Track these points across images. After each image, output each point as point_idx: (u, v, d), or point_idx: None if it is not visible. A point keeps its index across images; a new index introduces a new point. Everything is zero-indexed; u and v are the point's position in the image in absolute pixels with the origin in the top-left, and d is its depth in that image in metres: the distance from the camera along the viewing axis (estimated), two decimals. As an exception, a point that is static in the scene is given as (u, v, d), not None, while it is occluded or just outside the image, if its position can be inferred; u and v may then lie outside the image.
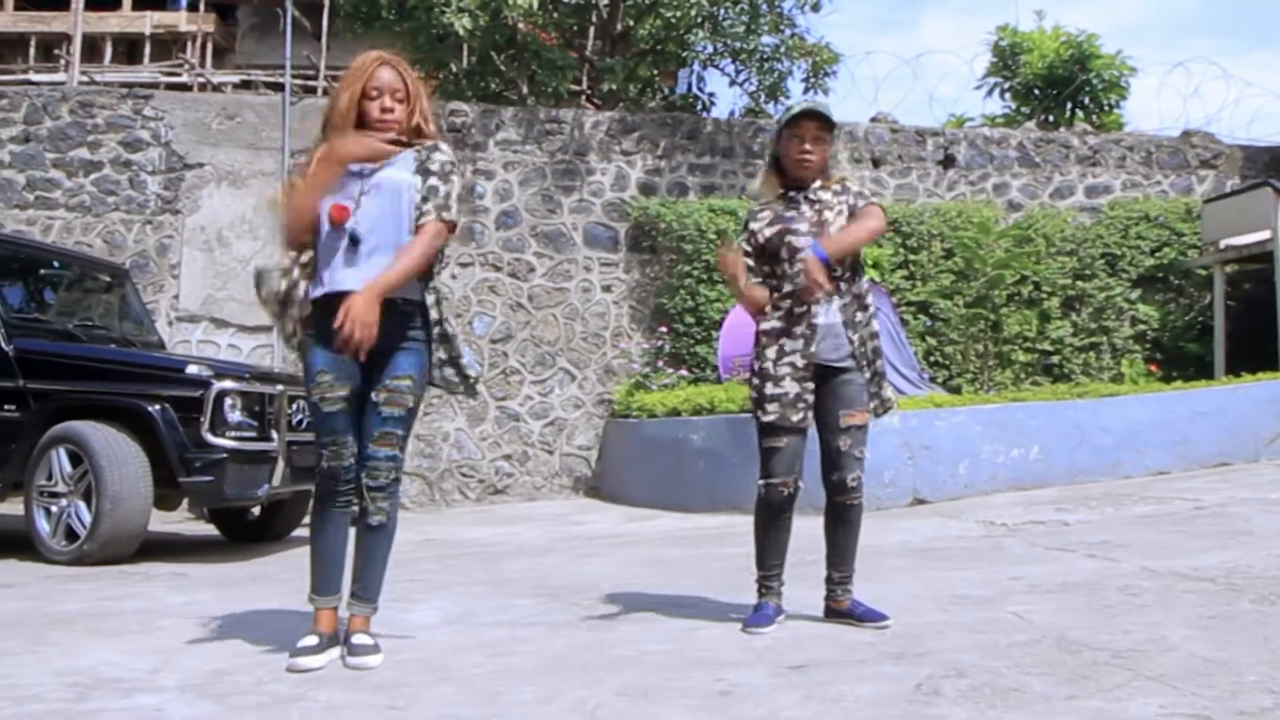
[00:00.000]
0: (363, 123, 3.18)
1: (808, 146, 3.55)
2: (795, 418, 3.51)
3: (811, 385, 3.51)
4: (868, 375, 3.57)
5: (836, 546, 3.68)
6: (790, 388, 3.50)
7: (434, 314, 3.24)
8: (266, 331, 9.59)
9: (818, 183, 3.60)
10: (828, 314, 3.51)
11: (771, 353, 3.53)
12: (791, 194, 3.61)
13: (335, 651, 3.11)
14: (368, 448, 3.16)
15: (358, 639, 3.12)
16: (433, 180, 3.19)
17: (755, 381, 3.57)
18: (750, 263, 3.61)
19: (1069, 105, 13.66)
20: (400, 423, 3.18)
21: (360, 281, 3.06)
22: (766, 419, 3.52)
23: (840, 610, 3.60)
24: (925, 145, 10.58)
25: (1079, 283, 9.90)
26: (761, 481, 3.58)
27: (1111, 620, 3.38)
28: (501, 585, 4.62)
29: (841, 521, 3.66)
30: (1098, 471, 7.15)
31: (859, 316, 3.56)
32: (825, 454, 3.61)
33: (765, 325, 3.57)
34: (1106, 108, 13.78)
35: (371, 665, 3.04)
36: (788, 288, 3.53)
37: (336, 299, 3.05)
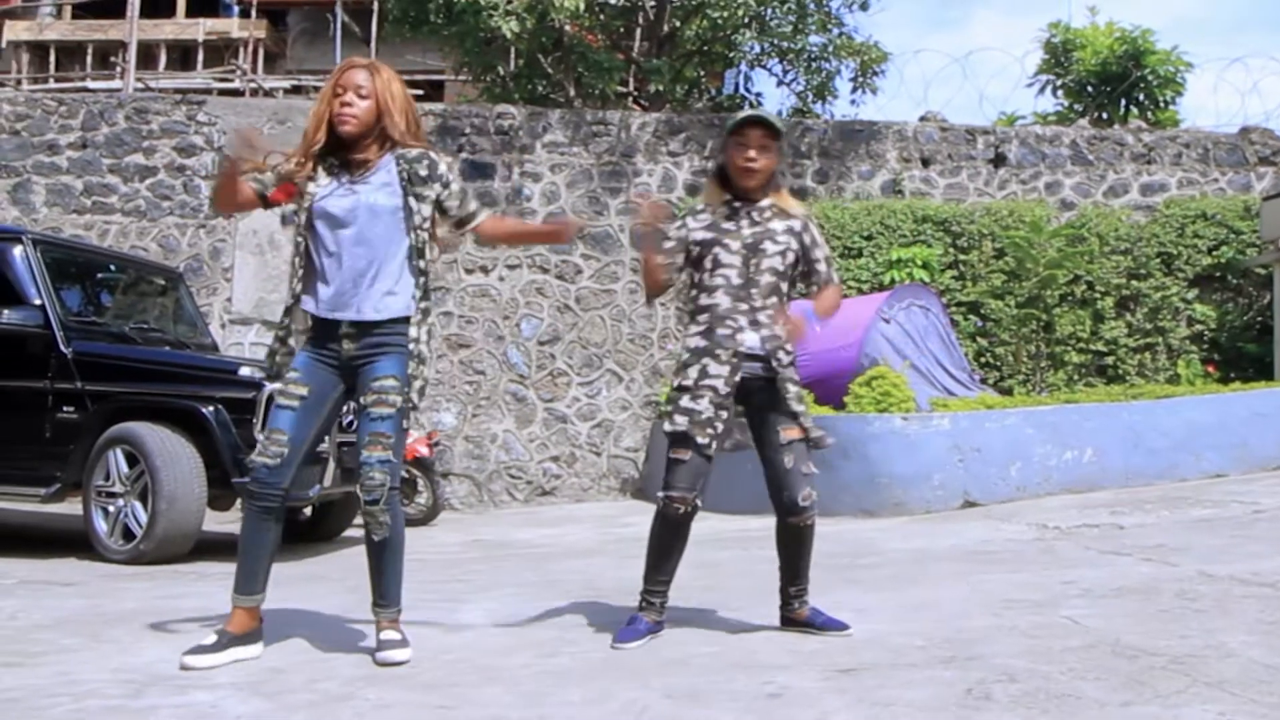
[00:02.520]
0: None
1: (752, 154, 3.42)
2: (700, 439, 3.38)
3: (726, 414, 3.40)
4: (795, 392, 3.45)
5: (790, 563, 3.54)
6: (706, 408, 3.38)
7: (414, 331, 3.20)
8: (317, 334, 9.70)
9: (769, 200, 3.49)
10: (751, 343, 3.40)
11: (694, 372, 3.41)
12: (736, 204, 3.49)
13: (240, 653, 3.09)
14: (361, 454, 3.17)
15: (385, 634, 3.16)
16: (455, 185, 3.34)
17: (673, 392, 3.50)
18: (674, 257, 3.50)
19: (1123, 102, 13.44)
20: (389, 423, 3.15)
21: (370, 309, 3.15)
22: (674, 429, 3.41)
23: (799, 620, 3.50)
24: (976, 144, 10.46)
25: (1134, 282, 9.73)
26: (662, 494, 3.47)
27: (1168, 625, 3.32)
28: (550, 586, 4.63)
29: (794, 541, 3.52)
30: (1153, 474, 7.03)
31: (783, 354, 3.45)
32: (771, 474, 3.46)
33: (690, 342, 3.46)
34: (1162, 104, 13.54)
35: (399, 660, 3.07)
36: (704, 300, 3.44)
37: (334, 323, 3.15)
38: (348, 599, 4.38)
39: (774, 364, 3.42)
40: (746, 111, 3.58)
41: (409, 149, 3.26)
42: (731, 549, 5.96)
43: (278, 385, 3.24)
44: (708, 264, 3.45)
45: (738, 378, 3.40)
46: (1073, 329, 9.48)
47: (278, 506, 3.21)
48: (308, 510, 6.90)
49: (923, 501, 6.76)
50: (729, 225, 3.47)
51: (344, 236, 3.15)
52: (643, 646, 3.30)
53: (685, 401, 3.42)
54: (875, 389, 7.27)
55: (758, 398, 3.45)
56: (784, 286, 3.49)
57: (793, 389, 3.44)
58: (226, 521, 7.46)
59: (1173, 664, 2.83)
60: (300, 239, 3.20)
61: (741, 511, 7.59)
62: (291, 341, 3.25)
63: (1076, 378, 9.39)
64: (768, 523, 7.20)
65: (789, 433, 3.42)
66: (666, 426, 3.46)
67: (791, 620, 3.54)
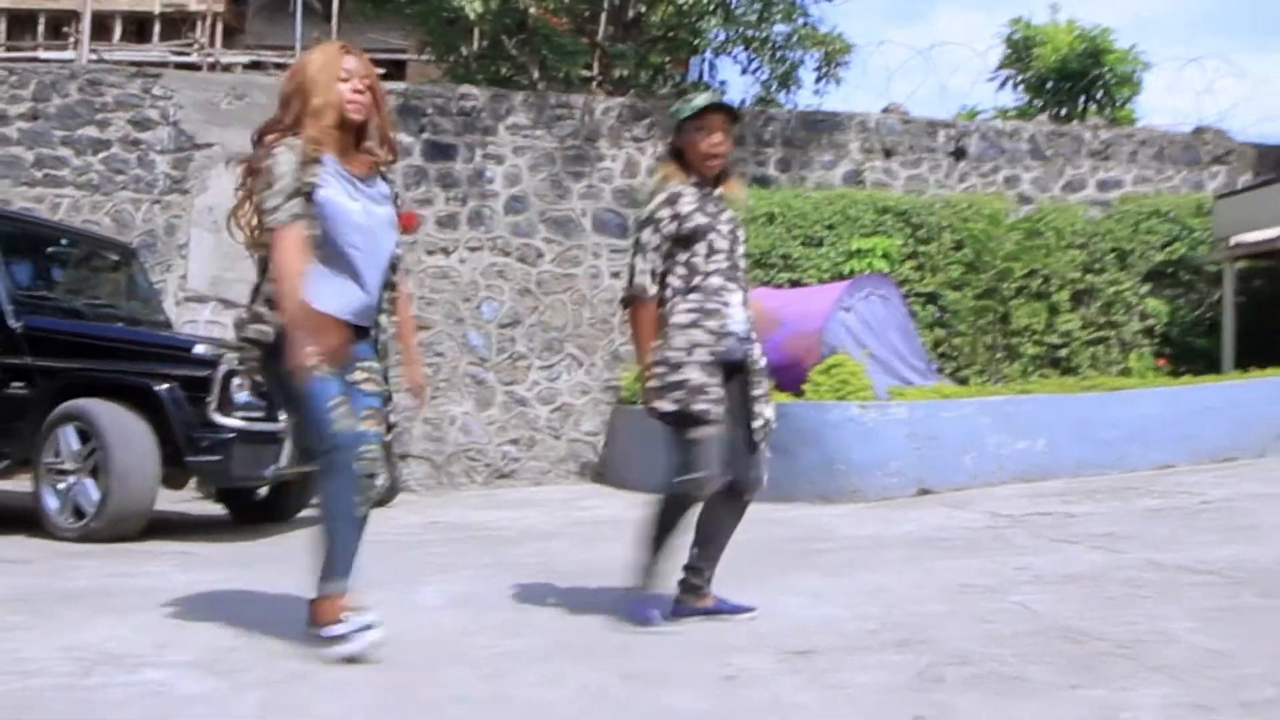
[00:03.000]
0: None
1: (717, 138, 3.42)
2: (719, 411, 3.32)
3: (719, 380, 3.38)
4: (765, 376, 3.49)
5: (721, 543, 3.52)
6: (712, 384, 3.30)
7: (383, 320, 3.23)
8: (274, 313, 9.59)
9: (720, 188, 3.51)
10: (737, 320, 3.40)
11: (684, 344, 3.31)
12: (705, 189, 3.47)
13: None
14: (359, 429, 3.06)
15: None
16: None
17: (661, 370, 3.31)
18: (662, 246, 3.40)
19: (1082, 99, 13.61)
20: (379, 400, 3.14)
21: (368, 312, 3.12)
22: (698, 408, 3.27)
23: (707, 607, 3.46)
24: (937, 136, 10.55)
25: (1089, 276, 9.87)
26: (689, 476, 3.31)
27: (1115, 611, 3.38)
28: (508, 569, 4.63)
29: (736, 520, 3.52)
30: (1104, 465, 7.14)
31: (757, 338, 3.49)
32: (736, 452, 3.43)
33: (680, 319, 3.34)
34: (1119, 102, 13.72)
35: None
36: (697, 280, 3.37)
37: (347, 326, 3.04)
38: (302, 578, 4.35)
39: (754, 347, 3.45)
40: (706, 96, 3.52)
41: (380, 163, 3.18)
42: (687, 534, 5.98)
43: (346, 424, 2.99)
44: (701, 247, 3.38)
45: (724, 354, 3.35)
46: (1028, 321, 9.60)
47: None
48: (263, 490, 6.84)
49: (879, 488, 6.82)
50: (711, 208, 3.45)
51: (365, 244, 3.07)
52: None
53: (695, 377, 3.28)
54: (834, 377, 7.32)
55: (735, 379, 3.44)
56: None
57: (764, 373, 3.48)
58: (179, 500, 7.38)
59: (1119, 649, 2.89)
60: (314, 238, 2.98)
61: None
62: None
63: (1031, 369, 9.52)
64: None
65: (764, 414, 3.44)
66: (668, 406, 3.29)
67: (696, 608, 3.45)
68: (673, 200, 3.41)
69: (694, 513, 3.43)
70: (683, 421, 3.29)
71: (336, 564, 3.01)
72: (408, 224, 3.14)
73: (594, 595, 3.87)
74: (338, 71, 3.03)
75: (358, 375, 3.10)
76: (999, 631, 3.15)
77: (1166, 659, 2.77)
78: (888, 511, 6.27)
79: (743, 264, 3.50)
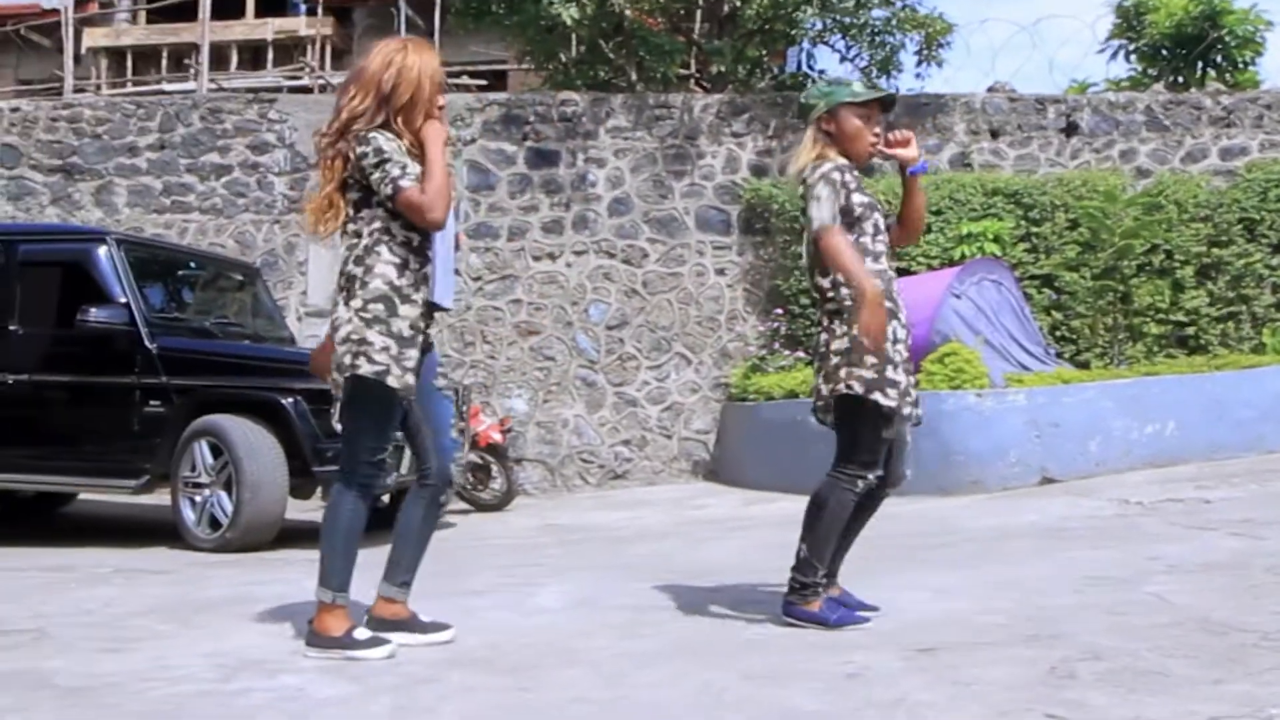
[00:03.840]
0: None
1: (879, 131, 3.41)
2: (905, 410, 3.31)
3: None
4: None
5: (852, 538, 3.51)
6: (904, 378, 3.28)
7: None
8: (390, 324, 9.84)
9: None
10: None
11: (888, 333, 3.22)
12: (857, 172, 3.44)
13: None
14: (439, 439, 3.40)
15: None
16: None
17: (872, 360, 3.19)
18: (838, 200, 3.32)
19: (1200, 65, 13.02)
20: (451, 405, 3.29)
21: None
22: (888, 403, 3.23)
23: (834, 595, 3.40)
24: (1046, 113, 10.23)
25: (1215, 250, 9.44)
26: (871, 475, 3.29)
27: (1259, 601, 3.24)
28: (625, 569, 4.66)
29: (872, 513, 3.50)
30: (1239, 447, 6.84)
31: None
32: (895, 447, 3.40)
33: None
34: (1241, 65, 13.09)
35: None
36: (870, 264, 3.31)
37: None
38: (424, 583, 4.44)
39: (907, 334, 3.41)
40: (884, 89, 3.55)
41: None
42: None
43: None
44: (869, 227, 3.35)
45: (908, 351, 3.36)
46: (1151, 299, 9.23)
47: None
48: (385, 498, 7.02)
49: (999, 478, 6.66)
50: (869, 192, 3.43)
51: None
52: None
53: (889, 373, 3.23)
54: (948, 366, 7.16)
55: None
56: None
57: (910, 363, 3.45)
58: (308, 510, 7.63)
59: (1265, 640, 2.76)
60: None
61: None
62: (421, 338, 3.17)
63: (1156, 349, 9.15)
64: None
65: (917, 408, 3.41)
66: (881, 400, 3.22)
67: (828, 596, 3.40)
68: (843, 170, 3.35)
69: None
70: (878, 417, 3.25)
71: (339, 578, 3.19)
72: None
73: (711, 594, 3.87)
74: (436, 74, 3.18)
75: (440, 382, 3.21)
76: (1133, 624, 3.04)
77: (1316, 650, 2.64)
78: (1010, 502, 6.12)
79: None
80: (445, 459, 3.30)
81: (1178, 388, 7.09)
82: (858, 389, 3.22)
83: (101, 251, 6.26)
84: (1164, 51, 13.25)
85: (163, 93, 13.68)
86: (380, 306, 3.05)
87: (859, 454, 3.29)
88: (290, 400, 5.81)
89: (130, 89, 15.61)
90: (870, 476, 3.31)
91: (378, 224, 3.10)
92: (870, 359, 3.20)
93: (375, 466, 3.19)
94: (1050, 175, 9.81)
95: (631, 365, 9.80)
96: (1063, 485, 6.54)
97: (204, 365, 6.12)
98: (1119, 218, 8.99)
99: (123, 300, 6.12)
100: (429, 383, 3.28)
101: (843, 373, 3.26)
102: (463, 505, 8.17)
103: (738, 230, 9.91)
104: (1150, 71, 13.42)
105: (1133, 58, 13.76)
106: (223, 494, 5.73)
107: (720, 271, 9.86)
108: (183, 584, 4.61)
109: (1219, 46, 12.81)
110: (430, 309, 3.19)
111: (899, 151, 3.40)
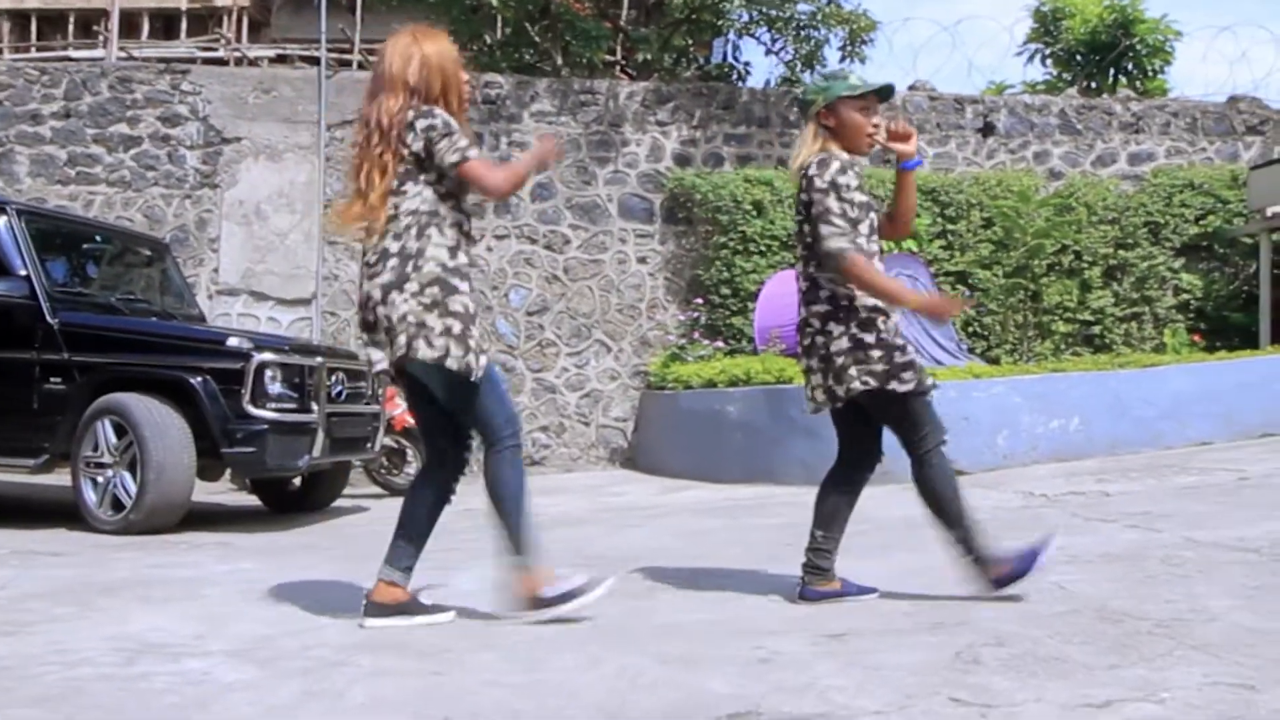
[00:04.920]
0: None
1: (877, 121, 3.43)
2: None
3: None
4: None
5: (845, 522, 3.60)
6: (913, 355, 3.39)
7: None
8: (305, 305, 9.67)
9: None
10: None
11: (890, 326, 3.36)
12: (857, 167, 3.46)
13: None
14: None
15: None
16: None
17: (880, 353, 3.30)
18: (849, 213, 3.35)
19: (1112, 71, 13.42)
20: None
21: None
22: (905, 388, 3.30)
23: (836, 591, 3.48)
24: (964, 113, 10.44)
25: (1121, 252, 9.76)
26: (944, 435, 3.38)
27: (1153, 590, 3.36)
28: (542, 555, 4.64)
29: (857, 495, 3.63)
30: (1139, 443, 7.08)
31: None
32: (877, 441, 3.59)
33: (868, 300, 3.34)
34: (1151, 73, 13.52)
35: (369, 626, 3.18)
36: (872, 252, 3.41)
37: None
38: (337, 567, 4.39)
39: None
40: (883, 80, 3.52)
41: None
42: (721, 518, 6.00)
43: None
44: (864, 228, 3.36)
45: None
46: (1060, 298, 9.51)
47: None
48: (297, 481, 6.90)
49: (891, 471, 6.78)
50: (868, 191, 3.45)
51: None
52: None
53: (898, 357, 3.31)
54: (864, 358, 7.27)
55: None
56: None
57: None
58: (215, 492, 7.47)
59: (1158, 628, 2.86)
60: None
61: (731, 481, 7.63)
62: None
63: (1064, 347, 9.44)
64: (755, 492, 7.26)
65: None
66: (906, 386, 3.28)
67: (824, 592, 3.48)
68: (847, 169, 3.37)
69: (822, 495, 3.56)
70: (916, 395, 3.32)
71: (528, 540, 3.24)
72: None
73: (627, 579, 3.88)
74: (459, 63, 3.33)
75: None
76: (1036, 612, 3.13)
77: (1206, 637, 2.75)
78: (906, 494, 6.23)
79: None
80: (463, 448, 3.30)
81: (1083, 385, 7.30)
82: (873, 384, 3.30)
83: (1, 222, 6.02)
84: (1078, 57, 13.63)
85: (69, 59, 13.20)
86: (436, 290, 3.07)
87: (921, 431, 3.36)
88: (199, 379, 5.67)
89: (34, 54, 15.04)
90: (944, 439, 3.39)
91: (426, 206, 3.13)
92: (876, 352, 3.30)
93: (510, 423, 3.24)
94: (966, 174, 10.02)
95: (551, 352, 9.77)
96: (971, 478, 6.69)
97: (108, 342, 5.92)
98: (1031, 218, 9.23)
99: (23, 272, 5.90)
100: None
101: (853, 371, 3.31)
102: (376, 489, 8.07)
103: (660, 219, 9.93)
104: (1065, 76, 13.79)
105: (1049, 62, 14.13)
106: (126, 475, 5.57)
107: (642, 260, 9.88)
108: (83, 566, 4.47)
109: (1131, 54, 13.21)
110: None
111: (898, 145, 3.43)
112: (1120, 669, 2.51)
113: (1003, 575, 3.31)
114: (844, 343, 3.33)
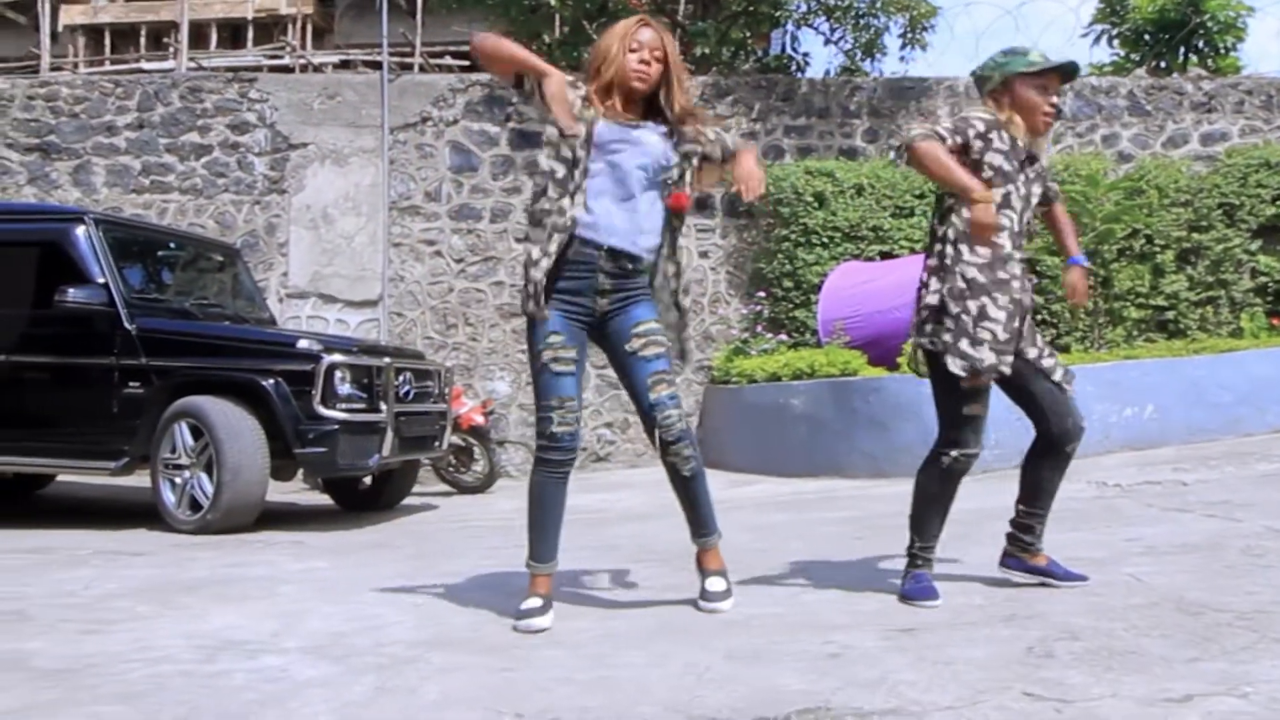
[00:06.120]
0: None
1: (1055, 101, 3.30)
2: (1045, 364, 3.37)
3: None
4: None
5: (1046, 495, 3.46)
6: (988, 355, 3.21)
7: (673, 284, 3.34)
8: (372, 306, 9.81)
9: (1043, 146, 3.36)
10: (1021, 294, 3.31)
11: (973, 308, 3.21)
12: (1021, 148, 3.32)
13: (552, 614, 3.19)
14: (649, 398, 3.23)
15: (711, 582, 3.31)
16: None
17: (951, 324, 3.22)
18: (957, 137, 3.25)
19: (1182, 50, 13.07)
20: (664, 361, 3.25)
21: (627, 237, 3.22)
22: (956, 371, 3.22)
23: (1038, 567, 3.42)
24: (1029, 97, 10.24)
25: (1194, 235, 9.50)
26: (956, 451, 3.32)
27: (1234, 581, 3.27)
28: (608, 551, 4.67)
29: (1059, 471, 3.44)
30: (1216, 430, 6.90)
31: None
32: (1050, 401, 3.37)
33: (967, 272, 3.23)
34: (1222, 51, 13.14)
35: (722, 609, 3.23)
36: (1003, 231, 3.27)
37: (597, 253, 3.19)
38: (408, 565, 4.46)
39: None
40: (1063, 58, 3.35)
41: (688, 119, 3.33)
42: (787, 512, 5.97)
43: (550, 354, 3.21)
44: (997, 194, 3.23)
45: (1015, 325, 3.28)
46: (1131, 284, 9.29)
47: (569, 470, 3.33)
48: (367, 480, 7.02)
49: (980, 461, 6.66)
50: (1017, 166, 3.30)
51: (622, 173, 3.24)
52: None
53: (965, 345, 3.20)
54: (930, 349, 7.19)
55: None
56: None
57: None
58: (289, 491, 7.62)
59: (1239, 620, 2.79)
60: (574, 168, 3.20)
61: (796, 474, 7.59)
62: (539, 305, 3.20)
63: (1136, 333, 9.22)
64: (821, 485, 7.22)
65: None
66: (955, 370, 3.20)
67: (1026, 566, 3.43)
68: (991, 126, 3.29)
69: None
70: (954, 385, 3.28)
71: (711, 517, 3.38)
72: (676, 205, 3.29)
73: (694, 575, 3.88)
74: (629, 43, 3.25)
75: (635, 344, 3.25)
76: (1110, 604, 3.07)
77: (1290, 630, 2.67)
78: (990, 484, 6.13)
79: (1025, 233, 3.38)
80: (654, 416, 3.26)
81: (1157, 371, 7.13)
82: (934, 347, 3.27)
83: (79, 231, 6.21)
84: (1146, 37, 13.29)
85: (141, 71, 13.54)
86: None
87: (943, 426, 3.34)
88: (271, 382, 5.79)
89: (108, 67, 15.46)
90: (954, 454, 3.31)
91: None
92: (950, 322, 3.22)
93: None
94: (1032, 159, 9.82)
95: (614, 348, 9.78)
96: (1042, 468, 6.58)
97: (184, 346, 6.07)
98: (1100, 202, 9.03)
99: (101, 280, 6.07)
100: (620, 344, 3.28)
101: (928, 328, 3.30)
102: (444, 487, 8.17)
103: (721, 213, 9.90)
104: (1133, 57, 13.46)
105: (1115, 43, 13.80)
106: (203, 476, 5.71)
107: (704, 254, 9.86)
108: (163, 566, 4.59)
109: (1201, 32, 12.85)
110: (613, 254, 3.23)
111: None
112: (1200, 662, 2.45)
113: (908, 591, 3.30)
114: (934, 299, 3.30)
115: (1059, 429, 3.34)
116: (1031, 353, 3.36)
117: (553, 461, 3.26)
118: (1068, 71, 3.36)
